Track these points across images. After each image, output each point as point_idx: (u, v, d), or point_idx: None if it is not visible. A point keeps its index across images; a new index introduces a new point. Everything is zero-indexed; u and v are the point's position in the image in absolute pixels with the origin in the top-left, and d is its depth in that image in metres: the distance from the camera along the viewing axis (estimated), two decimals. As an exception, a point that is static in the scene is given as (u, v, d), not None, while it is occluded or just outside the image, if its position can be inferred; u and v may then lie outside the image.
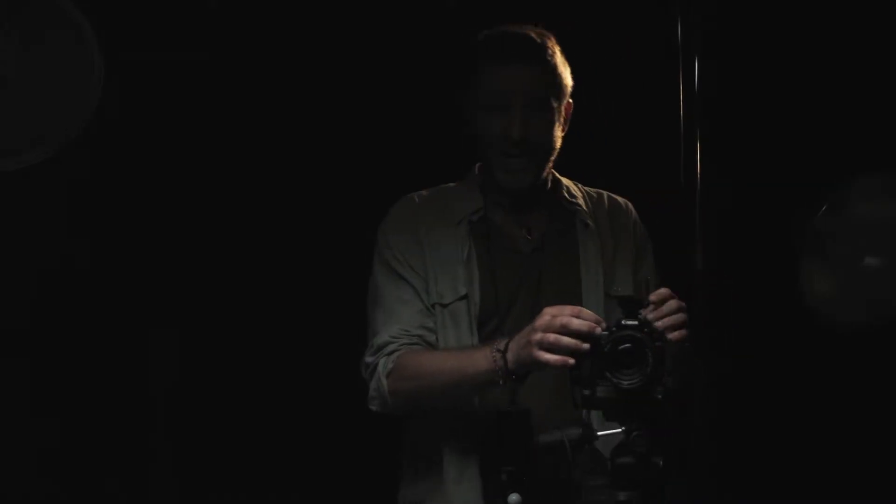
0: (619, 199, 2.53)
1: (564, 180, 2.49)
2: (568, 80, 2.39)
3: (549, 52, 2.35)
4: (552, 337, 2.05)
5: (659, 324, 2.03)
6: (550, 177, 2.46)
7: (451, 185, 2.50)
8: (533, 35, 2.36)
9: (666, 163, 2.48)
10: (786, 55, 3.00)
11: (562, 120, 2.39)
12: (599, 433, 2.07)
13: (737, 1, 2.90)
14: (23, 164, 2.67)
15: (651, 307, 2.06)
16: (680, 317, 2.07)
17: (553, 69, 2.35)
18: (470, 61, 2.37)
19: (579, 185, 2.52)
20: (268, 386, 3.09)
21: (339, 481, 3.08)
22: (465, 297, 2.34)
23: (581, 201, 2.47)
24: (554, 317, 2.07)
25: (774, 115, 3.03)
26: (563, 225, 2.44)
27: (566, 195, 2.46)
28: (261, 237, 3.08)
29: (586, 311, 2.07)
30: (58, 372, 2.96)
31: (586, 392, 2.02)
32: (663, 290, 2.10)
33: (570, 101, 2.42)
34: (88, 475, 2.96)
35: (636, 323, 2.00)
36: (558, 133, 2.38)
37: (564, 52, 2.38)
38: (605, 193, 2.53)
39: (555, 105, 2.35)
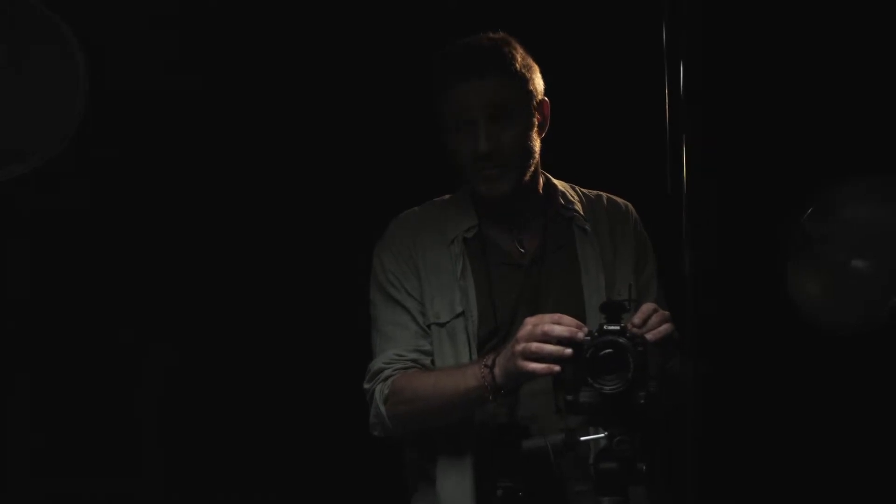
0: (619, 200, 2.49)
1: (560, 184, 2.46)
2: (536, 83, 2.34)
3: (507, 59, 2.29)
4: (534, 346, 2.05)
5: (648, 336, 2.04)
6: (543, 182, 2.43)
7: (446, 198, 2.46)
8: (487, 46, 2.30)
9: (653, 168, 2.47)
10: (772, 59, 3.01)
11: (536, 122, 2.34)
12: (582, 438, 2.07)
13: (723, 5, 2.90)
14: (13, 175, 2.68)
15: (635, 321, 2.07)
16: (665, 328, 2.08)
17: (513, 76, 2.29)
18: (433, 85, 2.32)
19: (576, 188, 2.49)
20: (273, 400, 3.09)
21: (348, 497, 3.08)
22: (461, 314, 2.32)
23: (578, 206, 2.44)
24: (535, 325, 2.07)
25: (762, 118, 3.03)
26: (560, 232, 2.41)
27: (561, 201, 2.43)
28: (260, 249, 3.08)
29: (567, 318, 2.07)
30: (55, 376, 2.98)
31: (569, 397, 2.02)
32: (645, 307, 2.11)
33: (546, 99, 2.37)
34: (84, 477, 2.98)
35: (618, 328, 2.00)
36: (534, 136, 2.34)
37: (538, 54, 2.35)
38: (604, 195, 2.49)
39: (522, 111, 2.31)
